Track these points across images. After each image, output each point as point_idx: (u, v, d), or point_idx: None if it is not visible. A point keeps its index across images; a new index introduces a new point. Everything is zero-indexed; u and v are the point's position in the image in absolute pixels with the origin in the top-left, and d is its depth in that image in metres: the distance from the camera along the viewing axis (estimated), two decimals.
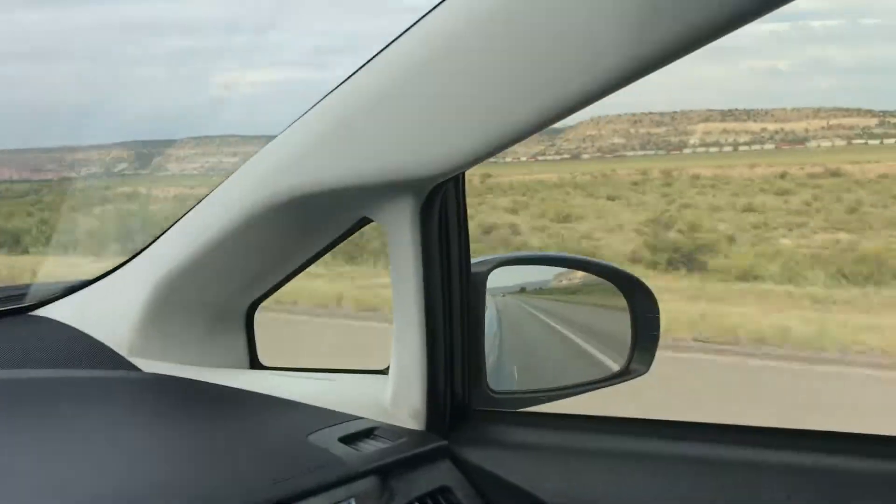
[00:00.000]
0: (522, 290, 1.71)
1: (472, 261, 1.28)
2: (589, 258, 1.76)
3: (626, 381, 1.52)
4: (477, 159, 0.90)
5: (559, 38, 0.76)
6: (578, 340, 1.70)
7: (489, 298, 1.57)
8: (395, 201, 1.06)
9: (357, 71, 0.99)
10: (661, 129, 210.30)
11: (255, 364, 1.44)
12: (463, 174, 1.10)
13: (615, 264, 1.67)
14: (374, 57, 0.96)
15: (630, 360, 1.53)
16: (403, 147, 0.94)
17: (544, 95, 0.80)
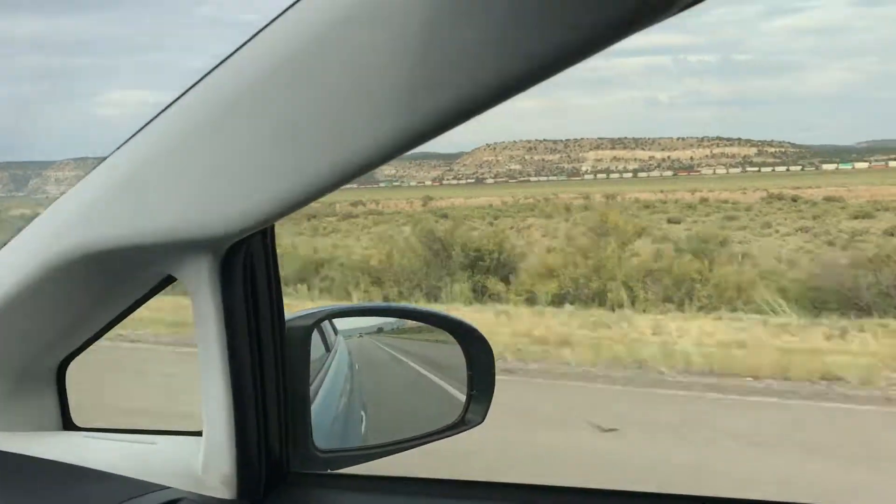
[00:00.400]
0: (380, 329, 1.68)
1: (299, 313, 1.29)
2: (426, 309, 1.77)
3: (462, 432, 1.51)
4: (274, 217, 0.89)
5: (354, 94, 0.75)
6: (435, 378, 1.66)
7: (343, 344, 1.71)
8: (193, 259, 1.04)
9: (150, 122, 0.97)
10: (556, 156, 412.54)
11: (67, 425, 1.37)
12: (271, 228, 1.11)
13: (453, 315, 1.64)
14: (165, 108, 0.95)
15: (465, 411, 1.52)
16: (194, 204, 0.92)
17: (341, 150, 0.79)
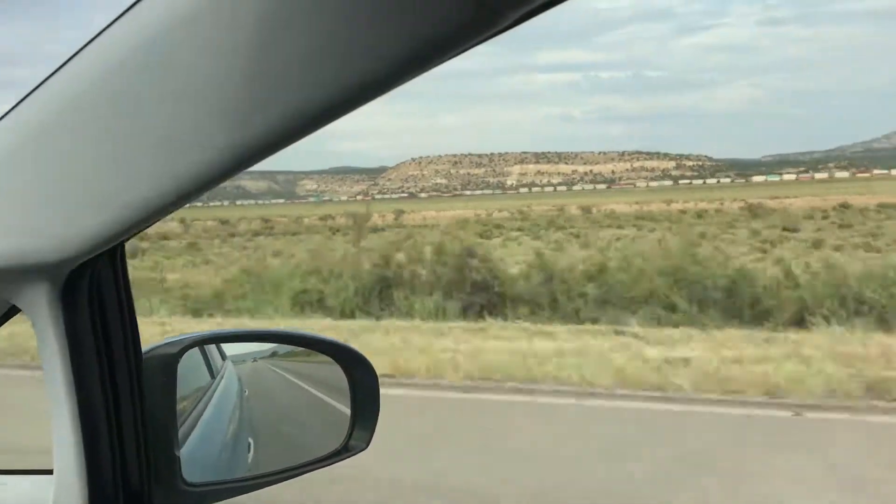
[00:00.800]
0: (274, 353, 1.64)
1: (166, 340, 1.25)
2: (307, 333, 1.71)
3: (344, 459, 1.48)
4: (112, 239, 0.85)
5: (184, 108, 0.73)
6: (331, 401, 1.61)
7: (232, 370, 1.66)
8: (31, 286, 0.97)
9: None
10: (481, 170, 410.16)
11: None
12: (121, 249, 1.05)
13: (334, 338, 1.61)
14: None
15: (349, 437, 1.49)
16: (23, 228, 0.87)
17: (175, 168, 0.76)
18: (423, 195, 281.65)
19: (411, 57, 0.63)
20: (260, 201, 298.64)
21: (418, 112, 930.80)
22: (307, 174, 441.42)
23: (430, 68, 0.65)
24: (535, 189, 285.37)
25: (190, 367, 1.57)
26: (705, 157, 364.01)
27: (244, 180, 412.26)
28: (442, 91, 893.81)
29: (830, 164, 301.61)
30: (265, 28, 0.65)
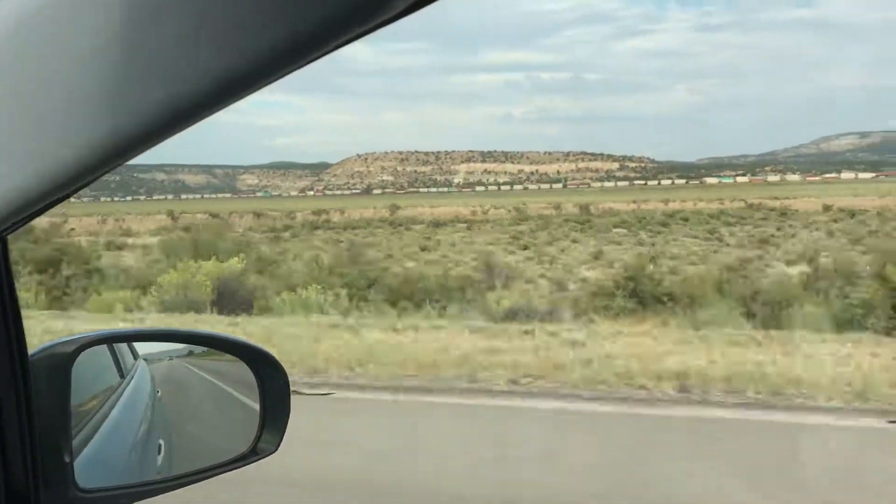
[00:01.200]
0: (191, 352, 1.60)
1: (60, 339, 1.20)
2: (215, 333, 1.71)
3: (253, 462, 1.46)
4: None
5: (49, 98, 0.68)
6: (246, 400, 1.57)
7: (145, 369, 1.63)
8: None
9: None
10: (428, 168, 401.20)
11: None
12: (2, 243, 0.97)
13: (244, 338, 1.57)
14: None
15: (258, 440, 1.46)
16: None
17: (43, 159, 0.71)
18: (376, 191, 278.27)
19: (294, 43, 0.61)
20: (205, 195, 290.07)
21: (358, 108, 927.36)
22: (247, 168, 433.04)
23: (314, 56, 0.63)
24: (479, 188, 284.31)
25: (97, 367, 1.57)
26: (648, 158, 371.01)
27: (183, 174, 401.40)
28: (382, 88, 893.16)
29: (767, 168, 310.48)
30: (140, 7, 0.62)
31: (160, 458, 1.56)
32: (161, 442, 1.60)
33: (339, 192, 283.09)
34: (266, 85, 0.65)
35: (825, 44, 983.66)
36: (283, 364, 1.56)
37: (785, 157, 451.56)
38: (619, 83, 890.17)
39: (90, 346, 1.30)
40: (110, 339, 1.56)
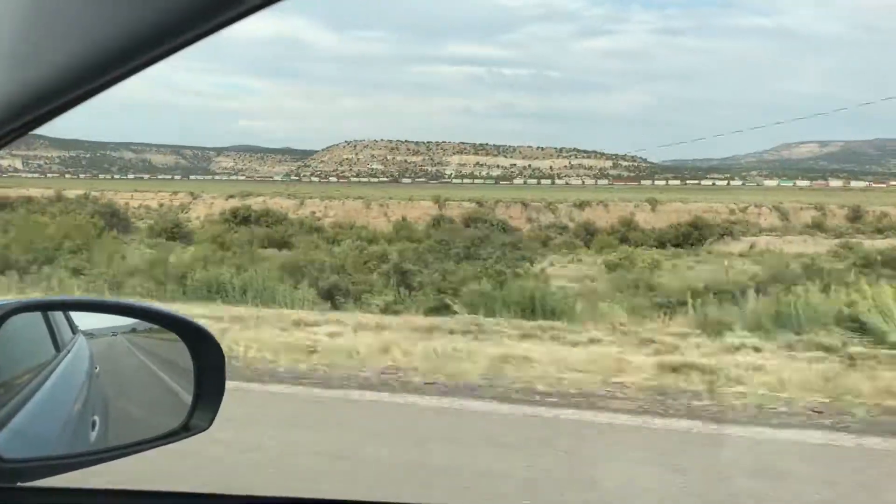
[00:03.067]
0: (134, 329, 1.60)
1: None
2: (150, 306, 1.64)
3: (185, 438, 1.46)
4: None
5: None
6: (173, 382, 1.60)
7: (84, 343, 1.61)
8: None
9: None
10: (419, 158, 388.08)
11: None
12: None
13: (181, 313, 1.57)
14: None
15: (191, 416, 1.45)
16: None
17: None
18: (374, 180, 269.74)
19: (201, 5, 0.60)
20: (175, 176, 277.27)
21: (318, 95, 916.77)
22: (221, 150, 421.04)
23: (221, 20, 0.62)
24: (476, 181, 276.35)
25: (31, 339, 1.57)
26: (640, 158, 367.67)
27: (151, 154, 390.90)
28: (341, 75, 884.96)
29: (727, 174, 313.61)
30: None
31: (94, 435, 1.53)
32: (96, 418, 1.57)
33: (334, 180, 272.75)
34: (173, 49, 0.64)
35: (784, 52, 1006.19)
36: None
37: (747, 163, 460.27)
38: (579, 82, 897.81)
39: (17, 314, 1.30)
40: (38, 307, 1.53)
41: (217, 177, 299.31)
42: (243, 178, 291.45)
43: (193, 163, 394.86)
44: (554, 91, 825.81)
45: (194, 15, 0.60)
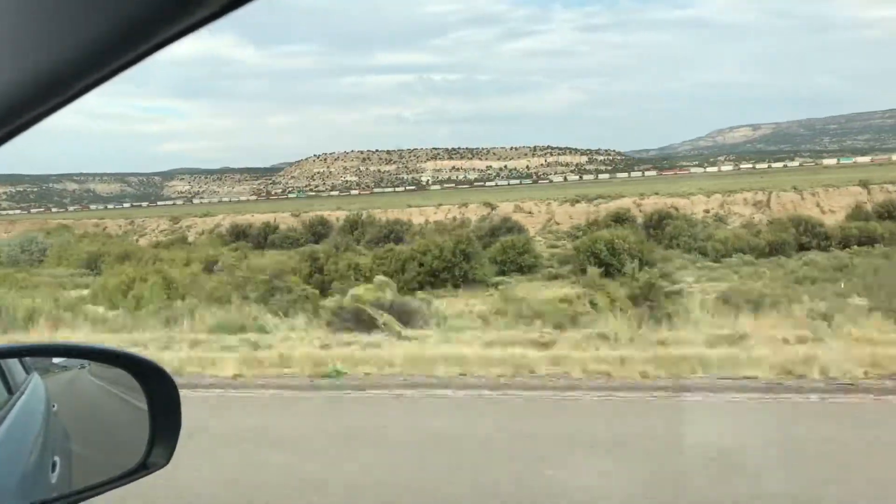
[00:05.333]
0: (82, 366, 1.63)
1: None
2: (102, 346, 1.68)
3: (143, 477, 1.46)
4: None
5: None
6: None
7: (39, 383, 1.63)
8: None
9: None
10: (392, 167, 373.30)
11: None
12: None
13: (131, 350, 1.65)
14: None
15: (148, 454, 1.45)
16: None
17: None
18: (354, 192, 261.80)
19: (119, 36, 0.59)
20: (120, 205, 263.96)
21: (239, 112, 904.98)
22: (173, 174, 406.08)
23: (142, 50, 0.62)
24: (448, 186, 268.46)
25: None
26: (614, 151, 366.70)
27: (94, 183, 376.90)
28: (268, 91, 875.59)
29: (668, 161, 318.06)
30: None
31: (55, 476, 1.52)
32: (56, 459, 1.56)
33: (322, 194, 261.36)
34: (91, 84, 0.64)
35: (704, 42, 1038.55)
36: None
37: (684, 151, 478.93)
38: (508, 84, 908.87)
39: None
40: None
41: (177, 202, 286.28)
42: (206, 201, 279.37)
43: (140, 189, 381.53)
44: (484, 94, 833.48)
45: (132, 37, 0.59)
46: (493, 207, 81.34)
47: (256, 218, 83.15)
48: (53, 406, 1.65)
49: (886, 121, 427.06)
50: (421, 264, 35.44)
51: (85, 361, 1.60)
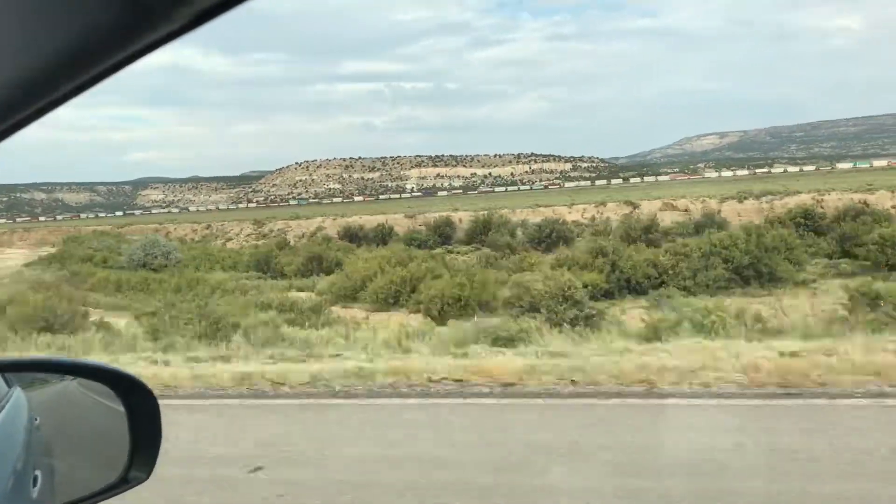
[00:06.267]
0: (62, 378, 1.65)
1: None
2: (77, 360, 1.93)
3: (124, 491, 1.46)
4: None
5: None
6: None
7: (21, 396, 1.63)
8: None
9: None
10: (376, 174, 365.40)
11: None
12: None
13: (112, 365, 1.61)
14: None
15: (128, 469, 1.44)
16: None
17: None
18: (335, 199, 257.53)
19: (84, 51, 0.60)
20: (89, 214, 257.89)
21: (207, 120, 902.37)
22: (145, 183, 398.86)
23: (103, 66, 0.62)
24: (440, 193, 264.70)
25: None
26: (598, 158, 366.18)
27: (62, 193, 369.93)
28: (236, 99, 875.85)
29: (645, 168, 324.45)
30: None
31: (35, 491, 1.51)
32: (37, 473, 1.55)
33: (312, 201, 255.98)
34: (59, 99, 0.65)
35: (670, 50, 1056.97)
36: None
37: (654, 158, 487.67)
38: (477, 92, 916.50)
39: None
40: None
41: (154, 210, 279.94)
42: (181, 209, 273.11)
43: (109, 198, 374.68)
44: (453, 102, 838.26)
45: (99, 50, 0.59)
46: (635, 206, 78.95)
47: (364, 220, 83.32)
48: (36, 420, 1.63)
49: (850, 129, 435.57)
50: (726, 260, 33.21)
51: (65, 376, 1.60)
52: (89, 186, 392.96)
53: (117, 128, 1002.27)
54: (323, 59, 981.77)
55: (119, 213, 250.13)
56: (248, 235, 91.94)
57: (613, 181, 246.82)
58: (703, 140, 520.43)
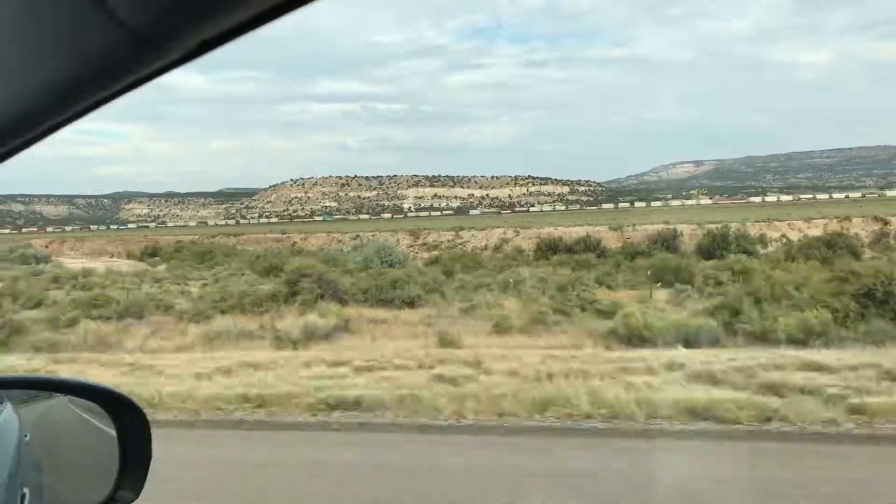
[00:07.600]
0: (49, 395, 1.65)
1: None
2: (68, 378, 1.88)
3: None
4: None
5: None
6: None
7: (11, 413, 1.63)
8: None
9: None
10: (373, 193, 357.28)
11: None
12: None
13: (101, 383, 1.59)
14: None
15: (116, 489, 1.43)
16: None
17: None
18: (324, 214, 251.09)
19: (78, 84, 0.61)
20: (70, 227, 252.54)
21: (183, 136, 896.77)
22: (131, 197, 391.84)
23: (91, 102, 0.64)
24: (433, 213, 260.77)
25: None
26: (594, 182, 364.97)
27: (40, 205, 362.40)
28: (211, 116, 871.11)
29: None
30: None
31: None
32: (25, 490, 1.54)
33: (309, 219, 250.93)
34: (59, 124, 0.67)
35: (645, 78, 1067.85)
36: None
37: (630, 184, 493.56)
38: (451, 115, 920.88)
39: None
40: None
41: (137, 224, 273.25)
42: (174, 224, 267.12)
43: (88, 212, 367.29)
44: (428, 124, 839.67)
45: (68, 93, 0.61)
46: (885, 222, 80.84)
47: (561, 231, 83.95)
48: (26, 436, 1.63)
49: (825, 160, 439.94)
50: None
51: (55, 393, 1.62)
52: (68, 199, 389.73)
53: (92, 142, 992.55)
54: (297, 79, 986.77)
55: (103, 227, 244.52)
56: (409, 246, 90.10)
57: (621, 204, 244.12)
58: (679, 168, 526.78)
